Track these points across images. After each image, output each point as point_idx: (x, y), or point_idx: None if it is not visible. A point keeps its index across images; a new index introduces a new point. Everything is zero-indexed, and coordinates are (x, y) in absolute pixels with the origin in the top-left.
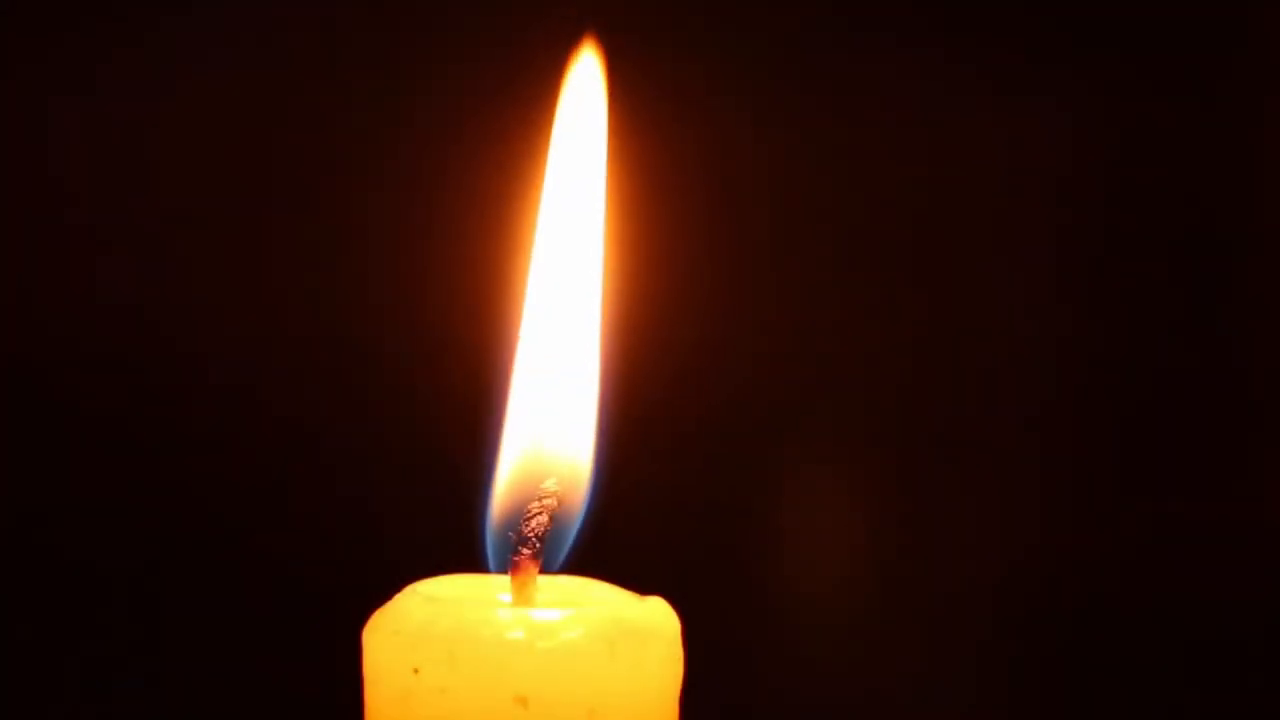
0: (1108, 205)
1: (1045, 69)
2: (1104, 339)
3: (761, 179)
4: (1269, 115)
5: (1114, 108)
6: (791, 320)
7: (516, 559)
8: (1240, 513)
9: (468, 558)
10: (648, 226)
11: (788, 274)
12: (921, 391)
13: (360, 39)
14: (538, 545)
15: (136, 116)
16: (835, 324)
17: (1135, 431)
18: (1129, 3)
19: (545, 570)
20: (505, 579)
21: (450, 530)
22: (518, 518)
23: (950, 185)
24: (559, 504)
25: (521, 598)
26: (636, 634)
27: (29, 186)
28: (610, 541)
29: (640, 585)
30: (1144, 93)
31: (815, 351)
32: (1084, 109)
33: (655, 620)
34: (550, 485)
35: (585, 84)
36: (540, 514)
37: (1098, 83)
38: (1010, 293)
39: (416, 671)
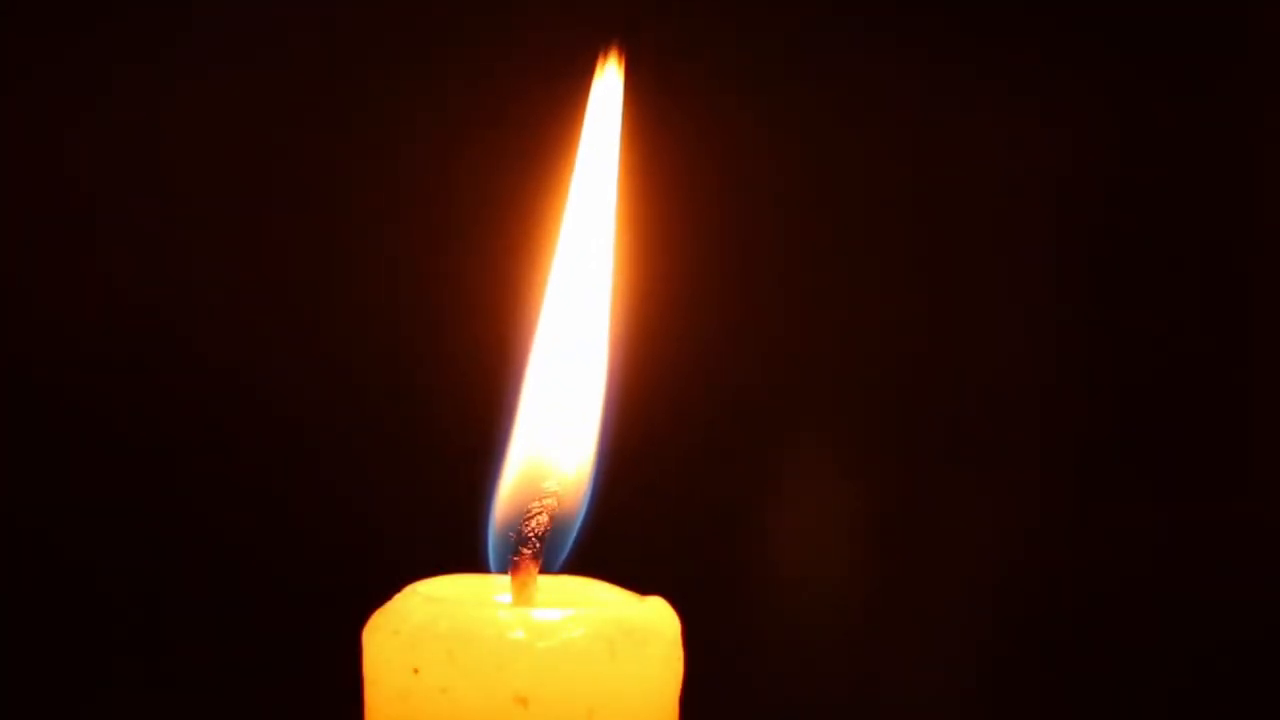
0: (1108, 205)
1: (1045, 69)
2: (1104, 339)
3: (762, 180)
4: (1269, 115)
5: (1114, 108)
6: (792, 321)
7: (516, 559)
8: (1240, 513)
9: (468, 558)
10: (650, 228)
11: (788, 275)
12: (921, 392)
13: (373, 40)
14: (538, 545)
15: (139, 117)
16: (835, 324)
17: (1135, 431)
18: (1129, 3)
19: (545, 570)
20: (505, 579)
21: (450, 530)
22: (518, 518)
23: (950, 185)
24: (559, 504)
25: (521, 598)
26: (636, 634)
27: (29, 186)
28: (610, 541)
29: (640, 585)
30: (1144, 93)
31: (815, 352)
32: (1084, 109)
33: (655, 620)
34: (550, 485)
35: (600, 92)
36: (540, 514)
37: (1098, 83)
38: (1010, 293)
39: (416, 671)
